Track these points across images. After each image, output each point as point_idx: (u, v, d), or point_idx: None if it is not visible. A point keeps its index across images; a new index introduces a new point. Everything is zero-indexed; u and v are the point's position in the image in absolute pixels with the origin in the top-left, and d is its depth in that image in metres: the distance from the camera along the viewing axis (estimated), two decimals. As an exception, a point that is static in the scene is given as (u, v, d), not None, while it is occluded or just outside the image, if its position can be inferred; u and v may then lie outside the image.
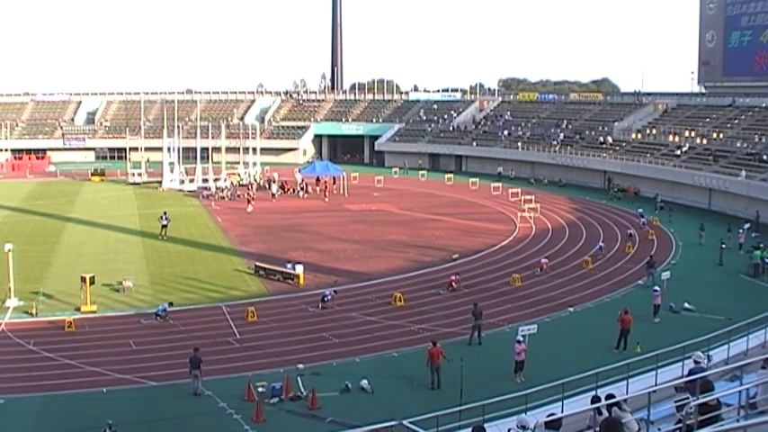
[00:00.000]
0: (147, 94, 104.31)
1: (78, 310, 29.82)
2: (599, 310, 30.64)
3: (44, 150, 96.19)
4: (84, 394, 21.80)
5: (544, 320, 28.49)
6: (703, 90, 79.97)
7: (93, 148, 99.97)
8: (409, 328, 28.09)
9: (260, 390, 21.64)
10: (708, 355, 17.07)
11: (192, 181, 69.95)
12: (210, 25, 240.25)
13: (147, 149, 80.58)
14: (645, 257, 40.22)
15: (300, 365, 23.95)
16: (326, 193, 63.54)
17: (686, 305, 30.51)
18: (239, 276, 36.23)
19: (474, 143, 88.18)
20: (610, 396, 12.53)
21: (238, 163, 74.99)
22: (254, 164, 74.78)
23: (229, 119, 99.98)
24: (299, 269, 34.94)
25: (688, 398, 11.93)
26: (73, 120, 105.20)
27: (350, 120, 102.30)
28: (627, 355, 20.86)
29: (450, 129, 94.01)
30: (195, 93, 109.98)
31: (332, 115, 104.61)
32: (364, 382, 22.28)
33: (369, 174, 77.31)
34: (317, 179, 66.67)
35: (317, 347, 25.90)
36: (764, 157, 56.02)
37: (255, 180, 70.92)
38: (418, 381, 22.64)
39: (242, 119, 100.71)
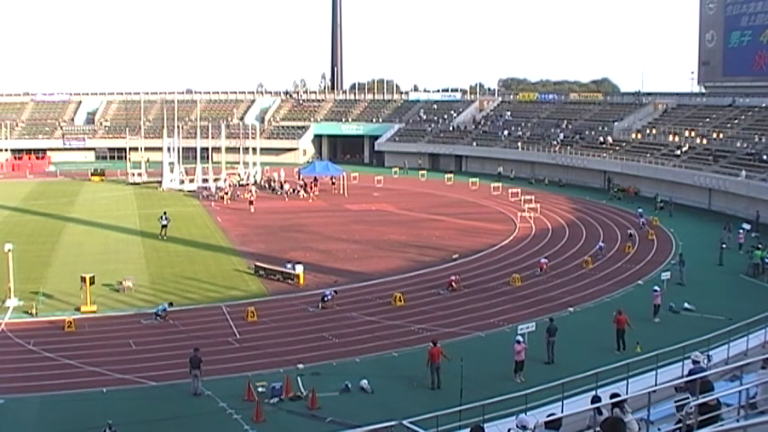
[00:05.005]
0: (147, 94, 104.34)
1: (78, 310, 29.81)
2: (599, 310, 30.61)
3: (44, 150, 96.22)
4: (84, 394, 21.79)
5: (544, 320, 28.41)
6: (703, 90, 79.96)
7: (93, 148, 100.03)
8: (409, 328, 28.08)
9: (260, 390, 21.63)
10: (708, 355, 17.09)
11: (191, 181, 69.95)
12: (210, 25, 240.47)
13: (147, 149, 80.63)
14: (645, 257, 40.35)
15: (300, 365, 23.95)
16: (312, 193, 63.33)
17: (686, 305, 30.50)
18: (239, 276, 36.22)
19: (474, 143, 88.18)
20: (614, 395, 12.53)
21: (238, 163, 75.01)
22: (254, 164, 74.80)
23: (229, 119, 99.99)
24: (299, 269, 34.93)
25: (688, 398, 11.93)
26: (73, 120, 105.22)
27: (350, 120, 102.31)
28: (627, 355, 20.87)
29: (450, 129, 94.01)
30: (195, 93, 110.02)
31: (332, 115, 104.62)
32: (364, 382, 22.27)
33: (369, 174, 77.32)
34: (314, 179, 66.62)
35: (317, 347, 25.89)
36: (764, 157, 56.01)
37: (256, 180, 70.99)
38: (418, 381, 22.63)
39: (242, 119, 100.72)
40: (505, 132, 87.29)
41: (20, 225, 49.84)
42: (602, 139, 75.66)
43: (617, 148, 72.52)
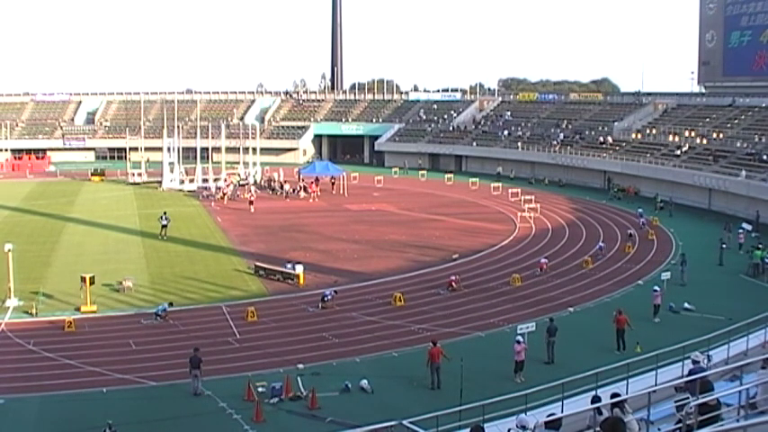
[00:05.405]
0: (147, 94, 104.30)
1: (78, 310, 29.81)
2: (599, 310, 30.61)
3: (44, 150, 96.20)
4: (84, 394, 21.79)
5: (544, 320, 28.39)
6: (703, 90, 79.97)
7: (93, 148, 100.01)
8: (409, 328, 28.08)
9: (260, 390, 21.63)
10: (708, 355, 17.10)
11: (191, 181, 69.95)
12: (210, 25, 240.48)
13: (147, 149, 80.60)
14: (645, 257, 40.36)
15: (300, 365, 23.95)
16: (312, 194, 63.12)
17: (686, 305, 30.50)
18: (239, 276, 36.22)
19: (474, 143, 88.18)
20: (615, 395, 12.54)
21: (238, 163, 75.00)
22: (254, 164, 74.79)
23: (229, 119, 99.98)
24: (299, 269, 34.93)
25: (688, 398, 11.93)
26: (73, 120, 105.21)
27: (350, 120, 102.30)
28: (627, 355, 20.87)
29: (450, 129, 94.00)
30: (195, 93, 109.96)
31: (332, 115, 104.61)
32: (364, 382, 22.28)
33: (369, 174, 77.30)
34: (316, 179, 66.58)
35: (317, 347, 25.89)
36: (764, 157, 56.02)
37: (255, 180, 70.96)
38: (418, 381, 22.63)
39: (242, 119, 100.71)
40: (505, 132, 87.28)
41: (20, 225, 49.83)
42: (602, 139, 75.65)
43: (617, 148, 72.51)
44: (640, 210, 51.41)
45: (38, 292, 32.61)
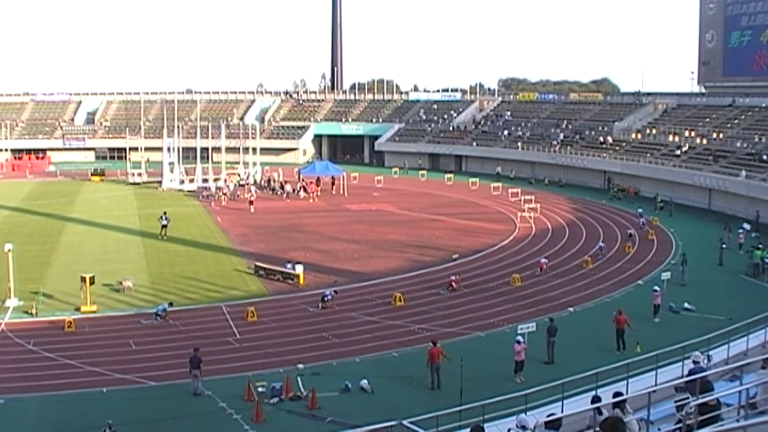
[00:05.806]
0: (147, 94, 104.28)
1: (78, 310, 29.81)
2: (599, 310, 30.61)
3: (44, 150, 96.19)
4: (84, 394, 21.79)
5: (544, 320, 28.40)
6: (703, 90, 79.97)
7: (93, 148, 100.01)
8: (409, 328, 28.09)
9: (260, 390, 21.63)
10: (708, 355, 17.10)
11: (191, 181, 69.96)
12: (210, 25, 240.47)
13: (147, 149, 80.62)
14: (645, 257, 40.35)
15: (300, 365, 23.95)
16: (313, 194, 63.13)
17: (686, 305, 30.50)
18: (239, 276, 36.22)
19: (474, 143, 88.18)
20: (618, 394, 12.54)
21: (238, 163, 75.01)
22: (254, 164, 74.79)
23: (229, 119, 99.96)
24: (299, 269, 34.93)
25: (688, 398, 11.93)
26: (73, 120, 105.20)
27: (350, 120, 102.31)
28: (627, 355, 20.88)
29: (450, 129, 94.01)
30: (195, 93, 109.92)
31: (332, 115, 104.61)
32: (364, 382, 22.28)
33: (369, 174, 77.29)
34: (317, 179, 66.56)
35: (317, 347, 25.89)
36: (764, 157, 56.01)
37: (255, 180, 70.96)
38: (418, 381, 22.63)
39: (242, 119, 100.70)
40: (505, 132, 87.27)
41: (20, 225, 49.83)
42: (602, 139, 75.65)
43: (617, 148, 72.51)
44: (640, 210, 51.39)
45: (38, 292, 32.61)
